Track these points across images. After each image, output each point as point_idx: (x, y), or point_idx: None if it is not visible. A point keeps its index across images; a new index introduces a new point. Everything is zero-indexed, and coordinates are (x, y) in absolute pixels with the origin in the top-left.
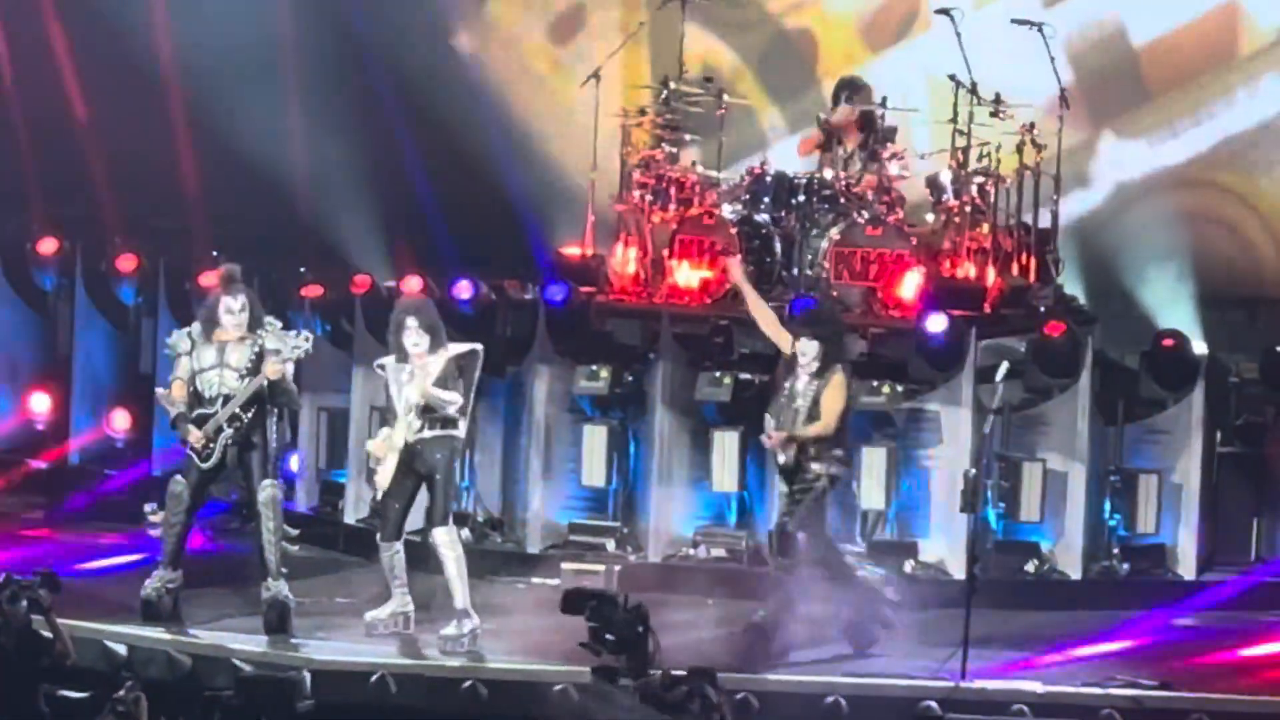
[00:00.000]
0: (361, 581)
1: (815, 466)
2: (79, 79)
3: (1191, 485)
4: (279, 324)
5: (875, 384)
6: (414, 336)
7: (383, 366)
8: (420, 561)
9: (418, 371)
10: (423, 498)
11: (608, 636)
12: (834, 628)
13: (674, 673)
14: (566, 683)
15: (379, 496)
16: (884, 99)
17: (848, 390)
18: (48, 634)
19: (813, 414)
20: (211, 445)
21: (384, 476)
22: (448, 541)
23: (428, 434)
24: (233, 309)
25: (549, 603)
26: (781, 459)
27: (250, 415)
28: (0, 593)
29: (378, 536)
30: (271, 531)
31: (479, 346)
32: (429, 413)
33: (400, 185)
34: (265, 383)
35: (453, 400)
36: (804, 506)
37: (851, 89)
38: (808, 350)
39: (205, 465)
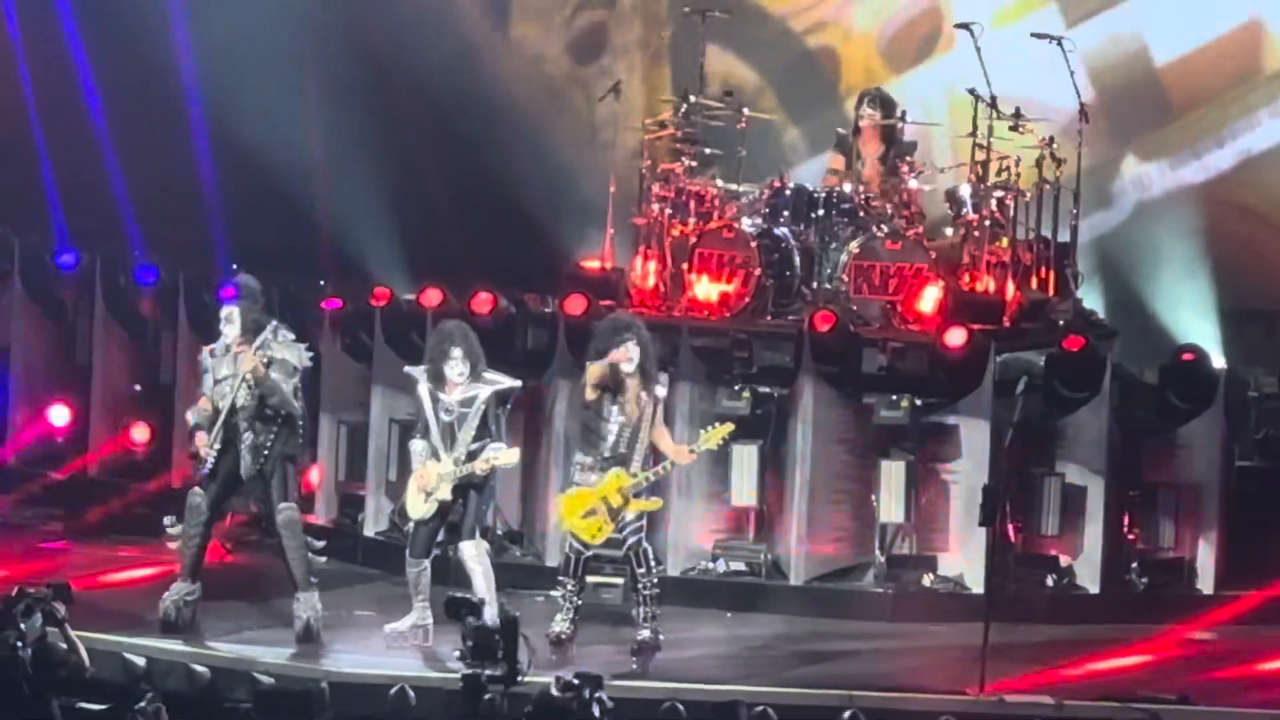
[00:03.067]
0: (381, 594)
1: None
2: (99, 92)
3: (1211, 499)
4: (292, 335)
5: (894, 398)
6: (459, 366)
7: (415, 378)
8: (439, 575)
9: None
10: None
11: (470, 644)
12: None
13: (567, 679)
14: None
15: (412, 519)
16: (903, 113)
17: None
18: (63, 645)
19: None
20: (211, 451)
21: (416, 505)
22: (475, 555)
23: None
24: (230, 318)
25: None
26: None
27: (259, 428)
28: (14, 606)
29: (407, 552)
30: (294, 550)
31: (518, 384)
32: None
33: (421, 198)
34: (251, 382)
35: (511, 459)
36: None
37: (874, 98)
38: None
39: (204, 471)
